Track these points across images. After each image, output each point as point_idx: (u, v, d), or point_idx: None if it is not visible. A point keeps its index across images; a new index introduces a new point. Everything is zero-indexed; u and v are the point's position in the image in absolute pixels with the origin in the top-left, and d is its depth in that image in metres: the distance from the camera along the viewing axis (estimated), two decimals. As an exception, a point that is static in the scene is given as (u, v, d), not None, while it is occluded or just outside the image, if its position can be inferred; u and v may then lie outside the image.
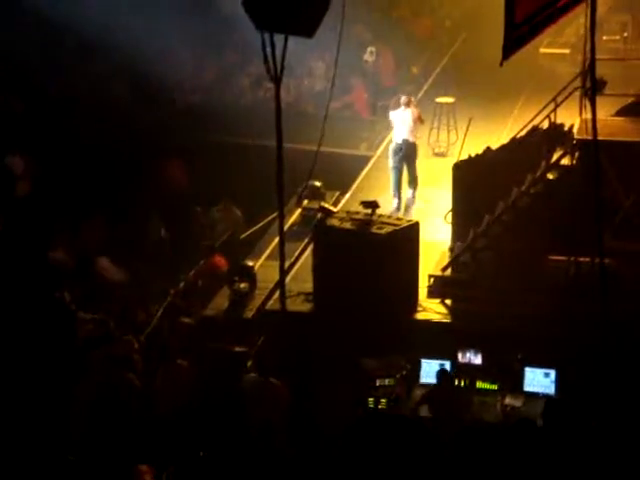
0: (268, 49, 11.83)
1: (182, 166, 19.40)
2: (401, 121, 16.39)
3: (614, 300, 10.13)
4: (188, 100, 22.32)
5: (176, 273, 15.25)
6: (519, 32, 9.80)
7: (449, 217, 14.25)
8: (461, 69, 21.02)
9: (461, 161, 14.26)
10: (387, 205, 15.22)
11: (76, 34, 20.62)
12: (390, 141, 17.00)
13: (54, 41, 21.02)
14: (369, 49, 22.27)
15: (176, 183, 18.98)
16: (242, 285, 13.95)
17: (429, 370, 12.06)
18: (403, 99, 16.60)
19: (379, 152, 18.83)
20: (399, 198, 16.37)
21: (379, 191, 16.35)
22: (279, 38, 11.81)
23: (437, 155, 18.15)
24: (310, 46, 19.71)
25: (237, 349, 12.73)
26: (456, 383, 11.92)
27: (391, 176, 16.43)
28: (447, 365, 12.01)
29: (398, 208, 16.23)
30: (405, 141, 16.33)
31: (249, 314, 13.67)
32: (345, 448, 6.01)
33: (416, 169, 16.55)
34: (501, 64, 9.72)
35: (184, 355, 12.32)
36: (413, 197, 16.59)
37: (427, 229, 14.40)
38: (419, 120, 16.47)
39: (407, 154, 16.33)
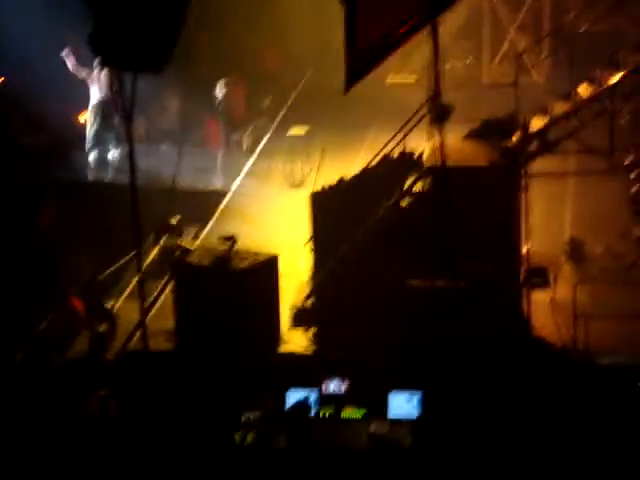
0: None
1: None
2: None
3: (469, 320, 10.34)
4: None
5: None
6: (362, 59, 9.84)
7: (308, 247, 14.31)
8: (312, 101, 21.18)
9: (316, 192, 14.34)
10: (245, 237, 15.06)
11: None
12: None
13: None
14: (219, 83, 22.19)
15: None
16: (102, 327, 13.72)
17: (296, 402, 11.96)
18: None
19: (234, 186, 18.86)
20: None
21: (238, 224, 16.34)
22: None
23: (293, 187, 18.25)
24: (162, 84, 19.67)
25: (100, 393, 12.50)
26: (320, 414, 11.90)
27: None
28: (313, 395, 11.99)
29: None
30: None
31: (110, 356, 13.46)
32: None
33: None
34: (345, 92, 9.75)
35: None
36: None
37: (287, 260, 14.43)
38: None
39: None
